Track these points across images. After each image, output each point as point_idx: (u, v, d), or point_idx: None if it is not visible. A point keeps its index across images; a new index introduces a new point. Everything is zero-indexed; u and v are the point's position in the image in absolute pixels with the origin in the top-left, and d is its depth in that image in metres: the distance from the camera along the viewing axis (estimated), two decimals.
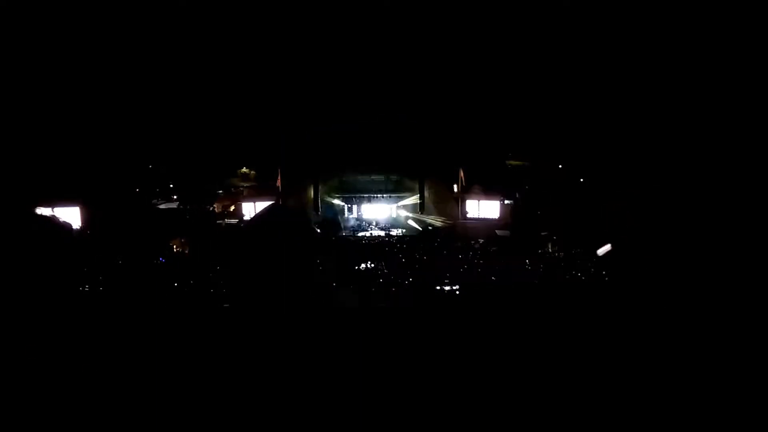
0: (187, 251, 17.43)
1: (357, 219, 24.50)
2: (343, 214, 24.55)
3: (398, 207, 24.70)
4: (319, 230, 20.78)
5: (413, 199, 24.69)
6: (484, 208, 21.74)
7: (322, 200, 24.35)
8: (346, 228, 23.97)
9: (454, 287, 9.52)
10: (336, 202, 24.62)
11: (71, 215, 17.80)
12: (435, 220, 23.76)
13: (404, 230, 23.83)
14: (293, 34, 19.29)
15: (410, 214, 24.64)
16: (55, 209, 17.61)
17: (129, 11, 17.71)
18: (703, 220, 13.79)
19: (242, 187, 23.41)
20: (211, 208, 21.45)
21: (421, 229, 23.64)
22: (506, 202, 21.76)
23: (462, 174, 23.04)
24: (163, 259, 14.83)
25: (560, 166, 21.58)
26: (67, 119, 18.46)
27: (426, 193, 24.51)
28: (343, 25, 19.24)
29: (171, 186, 22.08)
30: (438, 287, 9.80)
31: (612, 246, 14.79)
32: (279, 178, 23.16)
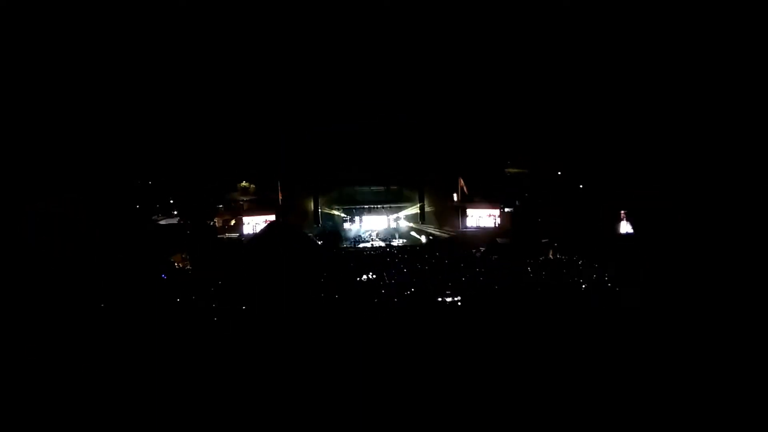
0: (188, 267, 17.43)
1: (357, 230, 24.52)
2: (344, 225, 24.58)
3: (398, 217, 24.72)
4: (320, 242, 20.78)
5: (413, 209, 24.72)
6: (483, 217, 21.75)
7: (322, 212, 24.38)
8: (346, 239, 23.98)
9: (456, 298, 9.51)
10: (336, 213, 24.65)
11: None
12: (435, 230, 23.76)
13: (405, 240, 23.84)
14: (292, 35, 19.33)
15: (410, 224, 24.66)
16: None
17: (124, 31, 17.84)
18: (706, 225, 13.79)
19: (242, 201, 23.48)
20: (211, 223, 21.49)
21: (422, 239, 23.64)
22: (506, 209, 21.78)
23: (461, 183, 23.08)
24: (164, 275, 14.81)
25: (559, 173, 21.62)
26: (66, 135, 18.51)
27: (426, 203, 24.54)
28: (343, 28, 19.29)
29: (171, 201, 22.12)
30: (440, 298, 9.77)
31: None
32: (279, 191, 23.20)
